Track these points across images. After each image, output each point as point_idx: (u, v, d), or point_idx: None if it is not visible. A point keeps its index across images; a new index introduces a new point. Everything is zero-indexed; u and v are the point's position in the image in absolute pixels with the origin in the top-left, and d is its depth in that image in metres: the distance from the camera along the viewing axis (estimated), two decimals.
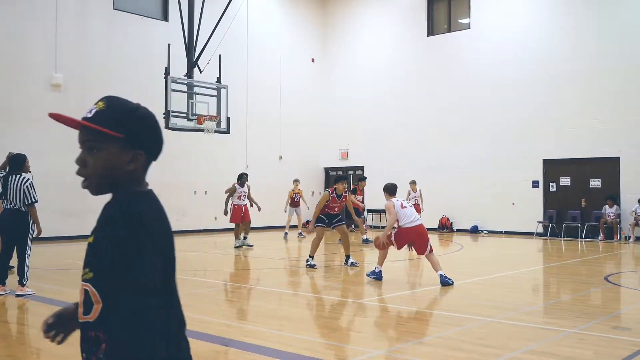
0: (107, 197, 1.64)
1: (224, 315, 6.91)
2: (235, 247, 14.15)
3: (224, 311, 7.28)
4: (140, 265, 1.50)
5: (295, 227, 18.52)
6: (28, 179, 7.77)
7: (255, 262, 12.23)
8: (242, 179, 14.51)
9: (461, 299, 7.75)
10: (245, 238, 14.55)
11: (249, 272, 10.76)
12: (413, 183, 18.68)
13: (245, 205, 14.34)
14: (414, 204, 18.72)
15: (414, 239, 8.98)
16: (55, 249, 14.34)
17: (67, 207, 16.30)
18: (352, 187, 17.12)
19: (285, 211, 17.95)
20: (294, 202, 17.76)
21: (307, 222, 21.14)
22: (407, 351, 5.07)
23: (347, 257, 10.86)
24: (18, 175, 7.74)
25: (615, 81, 17.27)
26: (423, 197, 17.33)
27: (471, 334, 5.62)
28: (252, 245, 14.45)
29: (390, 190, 9.35)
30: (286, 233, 17.98)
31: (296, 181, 18.04)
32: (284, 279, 10.18)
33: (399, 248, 9.14)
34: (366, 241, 15.48)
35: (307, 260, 10.67)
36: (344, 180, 10.90)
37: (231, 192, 14.32)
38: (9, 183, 7.66)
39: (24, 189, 7.64)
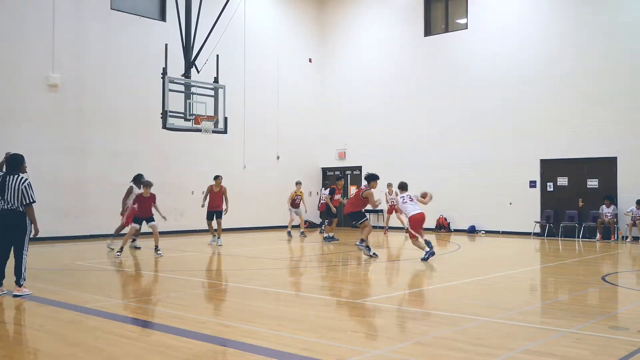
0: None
1: (221, 315, 6.91)
2: (115, 248, 12.80)
3: (221, 311, 7.27)
4: None
5: (296, 226, 18.57)
6: (26, 179, 7.76)
7: (254, 262, 12.22)
8: (139, 180, 13.14)
9: (459, 299, 7.75)
10: (134, 240, 13.72)
11: (247, 272, 10.74)
12: (389, 186, 18.83)
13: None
14: (391, 206, 18.94)
15: (420, 223, 11.57)
16: (52, 249, 14.31)
17: (64, 207, 16.27)
18: (330, 187, 17.37)
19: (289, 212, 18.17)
20: (294, 204, 17.96)
21: (305, 222, 21.18)
22: (406, 351, 5.07)
23: (362, 240, 12.08)
24: (16, 176, 7.72)
25: (612, 81, 17.30)
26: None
27: (469, 334, 5.62)
28: (140, 248, 13.66)
29: (402, 187, 12.21)
30: (289, 232, 18.04)
31: (298, 183, 18.30)
32: (282, 278, 10.17)
33: (421, 235, 11.45)
34: (331, 239, 16.09)
35: (362, 242, 11.91)
36: (377, 178, 12.42)
37: (127, 193, 13.24)
38: (7, 183, 7.64)
39: (21, 189, 7.62)
